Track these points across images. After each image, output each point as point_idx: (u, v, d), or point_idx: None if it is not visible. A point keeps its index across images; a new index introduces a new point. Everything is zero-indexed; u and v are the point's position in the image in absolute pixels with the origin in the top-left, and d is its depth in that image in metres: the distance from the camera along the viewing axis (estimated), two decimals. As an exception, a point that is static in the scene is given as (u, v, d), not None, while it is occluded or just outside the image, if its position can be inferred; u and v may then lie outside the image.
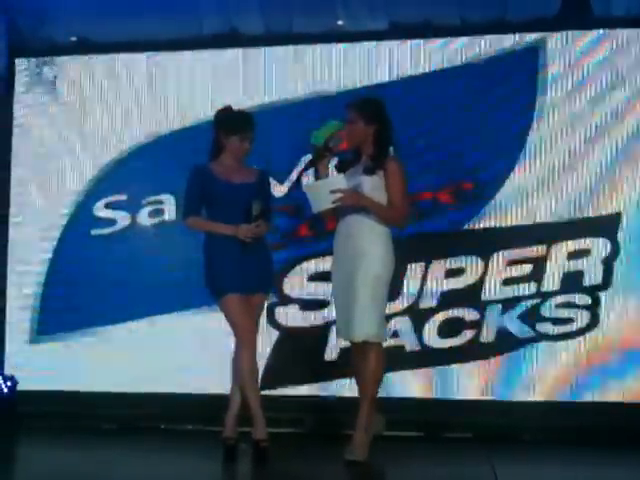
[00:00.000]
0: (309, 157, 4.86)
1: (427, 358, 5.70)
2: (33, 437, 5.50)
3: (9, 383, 5.99)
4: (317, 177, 4.81)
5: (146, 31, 6.07)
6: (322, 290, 5.63)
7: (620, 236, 5.56)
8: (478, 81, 5.75)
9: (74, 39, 6.29)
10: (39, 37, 6.26)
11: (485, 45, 5.77)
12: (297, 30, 6.00)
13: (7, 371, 6.10)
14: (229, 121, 4.82)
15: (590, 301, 5.57)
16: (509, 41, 5.75)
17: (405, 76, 5.86)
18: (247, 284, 4.73)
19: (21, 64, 6.33)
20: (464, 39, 5.78)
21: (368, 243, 4.64)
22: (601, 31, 5.66)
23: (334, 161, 4.89)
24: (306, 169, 4.91)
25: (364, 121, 4.69)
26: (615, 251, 5.55)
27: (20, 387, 6.03)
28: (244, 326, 4.71)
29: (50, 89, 6.27)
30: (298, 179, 5.22)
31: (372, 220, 4.65)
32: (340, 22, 5.96)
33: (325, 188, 4.61)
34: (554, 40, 5.70)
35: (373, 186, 4.66)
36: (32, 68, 6.31)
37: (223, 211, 4.76)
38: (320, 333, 5.78)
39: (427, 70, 5.83)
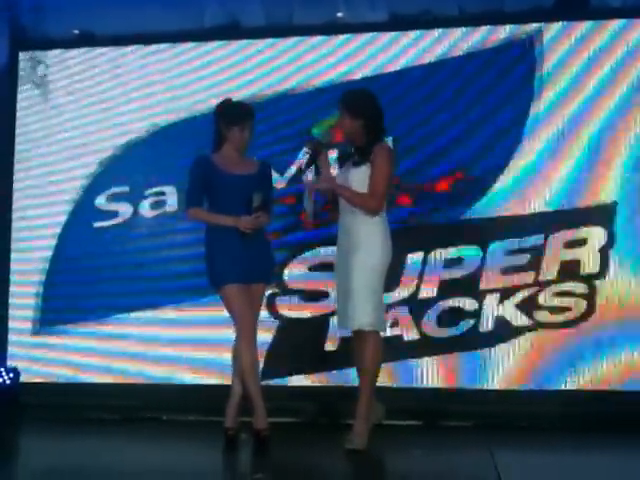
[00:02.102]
0: (305, 151, 4.87)
1: (426, 347, 5.72)
2: (35, 428, 5.51)
3: (12, 374, 6.00)
4: (318, 173, 4.83)
5: (148, 23, 6.08)
6: (323, 280, 5.65)
7: (616, 225, 5.57)
8: (476, 72, 5.77)
9: (76, 32, 6.31)
10: (41, 30, 6.27)
11: (483, 35, 5.79)
12: (297, 22, 6.01)
13: (10, 363, 6.12)
14: (229, 112, 4.85)
15: (587, 290, 5.60)
16: (506, 31, 5.77)
17: (404, 67, 5.87)
18: (247, 274, 4.75)
19: (23, 57, 6.35)
20: (462, 30, 5.80)
21: (364, 234, 4.67)
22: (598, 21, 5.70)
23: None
24: (307, 166, 4.92)
25: (350, 115, 4.70)
26: (611, 240, 5.58)
27: (22, 378, 6.06)
28: (244, 316, 4.73)
29: (50, 82, 6.30)
30: (300, 172, 5.23)
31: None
32: (340, 14, 5.98)
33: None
34: (551, 30, 5.72)
35: (362, 177, 4.68)
36: (32, 62, 6.34)
37: (224, 202, 4.78)
38: (320, 323, 5.79)
39: (425, 61, 5.85)
